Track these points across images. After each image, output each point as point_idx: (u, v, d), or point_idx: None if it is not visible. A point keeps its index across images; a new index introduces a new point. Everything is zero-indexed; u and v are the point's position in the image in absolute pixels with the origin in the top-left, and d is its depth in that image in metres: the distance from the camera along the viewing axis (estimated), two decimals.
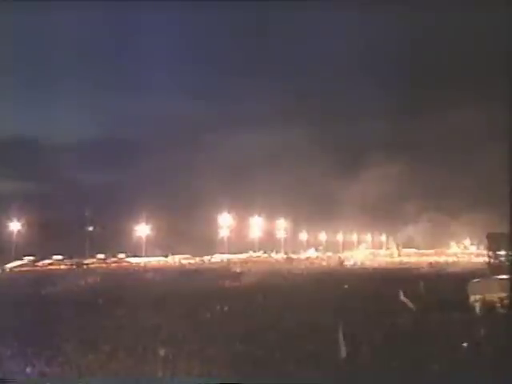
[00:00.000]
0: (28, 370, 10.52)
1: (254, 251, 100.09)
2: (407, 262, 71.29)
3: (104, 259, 77.92)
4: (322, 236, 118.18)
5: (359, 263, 70.47)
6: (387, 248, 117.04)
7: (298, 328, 15.80)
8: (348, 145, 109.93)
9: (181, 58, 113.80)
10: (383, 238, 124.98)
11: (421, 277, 28.81)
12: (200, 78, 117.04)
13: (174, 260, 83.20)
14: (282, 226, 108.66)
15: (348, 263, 68.00)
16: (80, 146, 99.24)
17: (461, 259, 72.12)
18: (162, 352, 12.45)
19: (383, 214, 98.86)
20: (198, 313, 19.60)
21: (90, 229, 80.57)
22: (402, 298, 20.24)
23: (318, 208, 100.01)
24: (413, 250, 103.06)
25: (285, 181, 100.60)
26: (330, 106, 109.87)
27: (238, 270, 54.28)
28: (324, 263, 73.62)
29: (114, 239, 78.71)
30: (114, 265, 72.61)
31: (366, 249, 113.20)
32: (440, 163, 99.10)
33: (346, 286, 29.89)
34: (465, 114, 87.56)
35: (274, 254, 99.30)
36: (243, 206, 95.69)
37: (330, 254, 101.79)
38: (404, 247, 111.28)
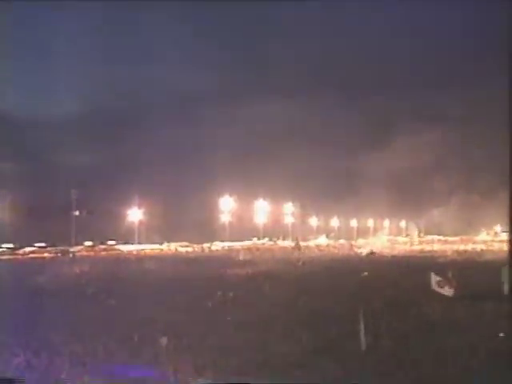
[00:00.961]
0: (15, 361, 10.68)
1: (259, 238, 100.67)
2: (430, 250, 71.34)
3: (92, 247, 78.56)
4: (334, 222, 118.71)
5: (376, 251, 70.55)
6: (407, 235, 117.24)
7: (311, 317, 15.95)
8: (365, 118, 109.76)
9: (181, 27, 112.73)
10: (403, 223, 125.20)
11: (448, 265, 28.83)
12: (199, 48, 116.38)
13: (170, 248, 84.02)
14: (289, 211, 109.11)
15: (363, 251, 68.09)
16: (65, 121, 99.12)
17: (491, 247, 72.06)
18: (158, 343, 12.54)
19: (404, 196, 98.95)
20: (198, 302, 19.74)
21: (76, 213, 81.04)
22: (435, 285, 20.32)
23: (330, 191, 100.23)
24: (436, 237, 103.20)
25: (293, 160, 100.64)
26: (353, 75, 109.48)
27: (241, 258, 54.76)
28: (336, 251, 74.13)
29: (104, 225, 79.36)
30: (103, 253, 73.53)
31: (384, 235, 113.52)
32: (471, 138, 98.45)
33: (365, 273, 30.07)
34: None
35: (281, 241, 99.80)
36: (247, 188, 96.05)
37: (343, 241, 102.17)
38: (426, 234, 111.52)
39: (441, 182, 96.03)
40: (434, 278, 21.20)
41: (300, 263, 44.11)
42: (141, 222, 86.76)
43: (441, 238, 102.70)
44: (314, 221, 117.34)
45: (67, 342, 12.60)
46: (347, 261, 48.52)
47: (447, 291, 19.73)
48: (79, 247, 76.67)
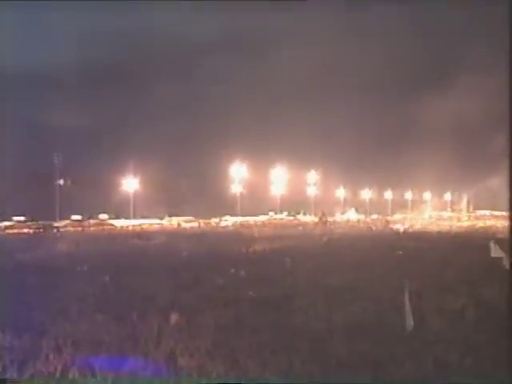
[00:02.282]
0: None
1: (276, 212, 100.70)
2: (482, 227, 70.76)
3: (80, 221, 79.29)
4: (366, 193, 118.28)
5: (417, 227, 70.35)
6: (453, 209, 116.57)
7: (339, 294, 15.98)
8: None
9: None
10: (448, 196, 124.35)
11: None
12: None
13: (172, 223, 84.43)
14: (312, 180, 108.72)
15: (400, 227, 67.93)
16: (47, 77, 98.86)
17: None
18: (156, 323, 12.52)
19: (452, 161, 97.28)
20: (205, 280, 19.82)
21: (61, 182, 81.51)
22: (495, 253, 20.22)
23: (360, 156, 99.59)
24: (489, 212, 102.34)
25: (316, 120, 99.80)
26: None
27: (255, 235, 55.04)
28: (368, 227, 73.87)
29: (94, 196, 79.69)
30: (93, 228, 74.19)
31: (426, 210, 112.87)
32: None
33: (400, 252, 29.86)
34: None
35: (301, 216, 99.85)
36: (261, 153, 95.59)
37: (376, 216, 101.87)
38: (476, 208, 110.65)
39: (491, 146, 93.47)
40: (494, 247, 21.27)
41: (325, 239, 44.07)
42: (137, 194, 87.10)
43: (496, 213, 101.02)
44: (341, 192, 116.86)
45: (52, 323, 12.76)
46: (381, 238, 48.27)
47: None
48: (65, 222, 77.43)
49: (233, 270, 22.24)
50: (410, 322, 11.63)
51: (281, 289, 17.28)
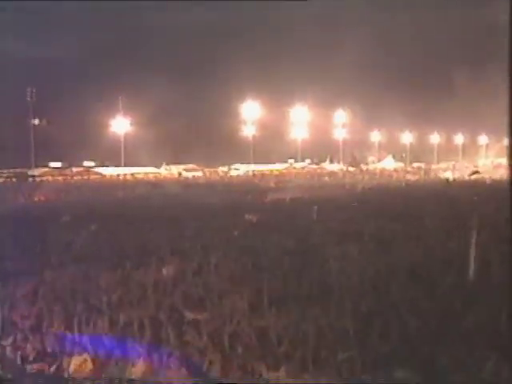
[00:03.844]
0: None
1: (297, 160, 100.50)
2: None
3: (61, 169, 79.90)
4: (406, 137, 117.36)
5: (467, 177, 70.04)
6: None
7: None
8: None
9: None
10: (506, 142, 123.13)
11: None
12: None
13: (172, 172, 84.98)
14: (340, 121, 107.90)
15: (450, 176, 67.72)
16: None
17: None
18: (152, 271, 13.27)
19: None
20: (219, 230, 20.48)
21: (35, 122, 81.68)
22: None
23: (399, 88, 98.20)
24: None
25: (344, 43, 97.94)
26: None
27: (272, 185, 55.35)
28: (409, 176, 73.01)
29: (77, 140, 79.70)
30: (76, 177, 74.67)
31: (481, 157, 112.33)
32: None
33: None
34: None
35: (327, 164, 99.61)
36: (277, 89, 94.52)
37: (418, 164, 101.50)
38: None
39: None
40: None
41: (360, 187, 44.30)
42: (128, 137, 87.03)
43: None
44: (376, 136, 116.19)
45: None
46: (426, 188, 48.13)
47: None
48: (42, 170, 77.91)
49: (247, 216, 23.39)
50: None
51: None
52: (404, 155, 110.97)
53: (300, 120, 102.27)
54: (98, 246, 17.40)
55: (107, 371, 7.92)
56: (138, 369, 7.91)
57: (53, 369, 8.22)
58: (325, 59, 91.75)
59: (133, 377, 7.71)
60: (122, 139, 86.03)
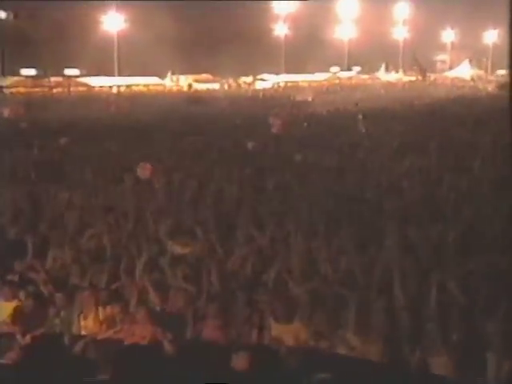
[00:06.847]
0: None
1: (343, 68, 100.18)
2: None
3: (37, 78, 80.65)
4: (487, 37, 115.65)
5: None
6: None
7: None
8: None
9: None
10: None
11: None
12: None
13: (179, 83, 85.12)
14: (400, 17, 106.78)
15: None
16: None
17: None
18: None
19: None
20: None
21: (1, 16, 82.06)
22: None
23: None
24: None
25: None
26: None
27: (309, 99, 55.46)
28: (490, 88, 74.23)
29: (57, 41, 79.72)
30: (57, 90, 75.27)
31: None
32: None
33: None
34: None
35: (383, 73, 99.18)
36: None
37: (503, 72, 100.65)
38: None
39: None
40: None
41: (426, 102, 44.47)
42: (122, 38, 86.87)
43: None
44: (448, 35, 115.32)
45: None
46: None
47: None
48: (13, 79, 78.66)
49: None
50: None
51: None
52: (485, 59, 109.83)
53: (347, 15, 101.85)
54: None
55: None
56: None
57: None
58: None
59: None
60: (116, 40, 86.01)
